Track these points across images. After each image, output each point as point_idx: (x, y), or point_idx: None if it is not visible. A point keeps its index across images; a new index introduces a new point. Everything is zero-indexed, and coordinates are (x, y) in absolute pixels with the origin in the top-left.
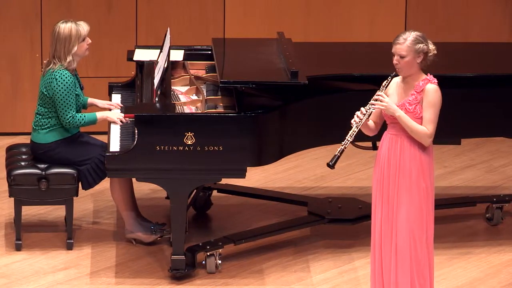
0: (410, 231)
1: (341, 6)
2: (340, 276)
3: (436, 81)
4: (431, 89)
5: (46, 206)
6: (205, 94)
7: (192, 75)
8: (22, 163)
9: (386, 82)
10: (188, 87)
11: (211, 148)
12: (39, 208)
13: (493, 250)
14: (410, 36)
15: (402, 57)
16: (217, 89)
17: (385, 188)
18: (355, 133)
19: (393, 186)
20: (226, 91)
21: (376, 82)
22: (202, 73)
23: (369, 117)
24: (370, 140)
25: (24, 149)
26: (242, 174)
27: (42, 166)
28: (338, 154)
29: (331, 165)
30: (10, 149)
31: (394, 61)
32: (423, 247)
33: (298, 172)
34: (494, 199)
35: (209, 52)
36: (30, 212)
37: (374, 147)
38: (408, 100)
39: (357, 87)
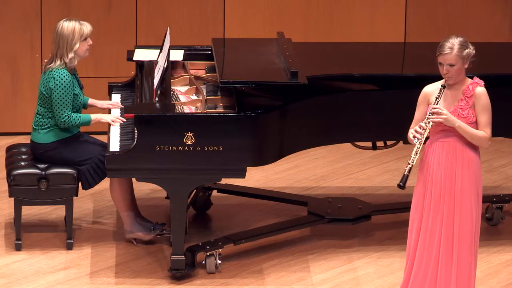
0: (468, 234)
1: (341, 6)
2: (340, 276)
3: (483, 83)
4: (483, 92)
5: (46, 206)
6: (205, 94)
7: (192, 75)
8: (22, 163)
9: (440, 94)
10: (188, 87)
11: (211, 148)
12: (39, 208)
13: (493, 250)
14: (455, 44)
15: (451, 65)
16: (217, 89)
17: (435, 194)
18: (419, 150)
19: (448, 191)
20: (226, 91)
21: (376, 82)
22: (202, 73)
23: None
24: (370, 140)
25: (24, 149)
26: (242, 174)
27: (42, 166)
28: (407, 173)
29: (402, 186)
30: (10, 149)
31: (444, 71)
32: (474, 248)
33: (298, 172)
34: (494, 199)
35: (209, 52)
36: (30, 212)
37: (374, 147)
38: (460, 106)
39: (357, 87)
